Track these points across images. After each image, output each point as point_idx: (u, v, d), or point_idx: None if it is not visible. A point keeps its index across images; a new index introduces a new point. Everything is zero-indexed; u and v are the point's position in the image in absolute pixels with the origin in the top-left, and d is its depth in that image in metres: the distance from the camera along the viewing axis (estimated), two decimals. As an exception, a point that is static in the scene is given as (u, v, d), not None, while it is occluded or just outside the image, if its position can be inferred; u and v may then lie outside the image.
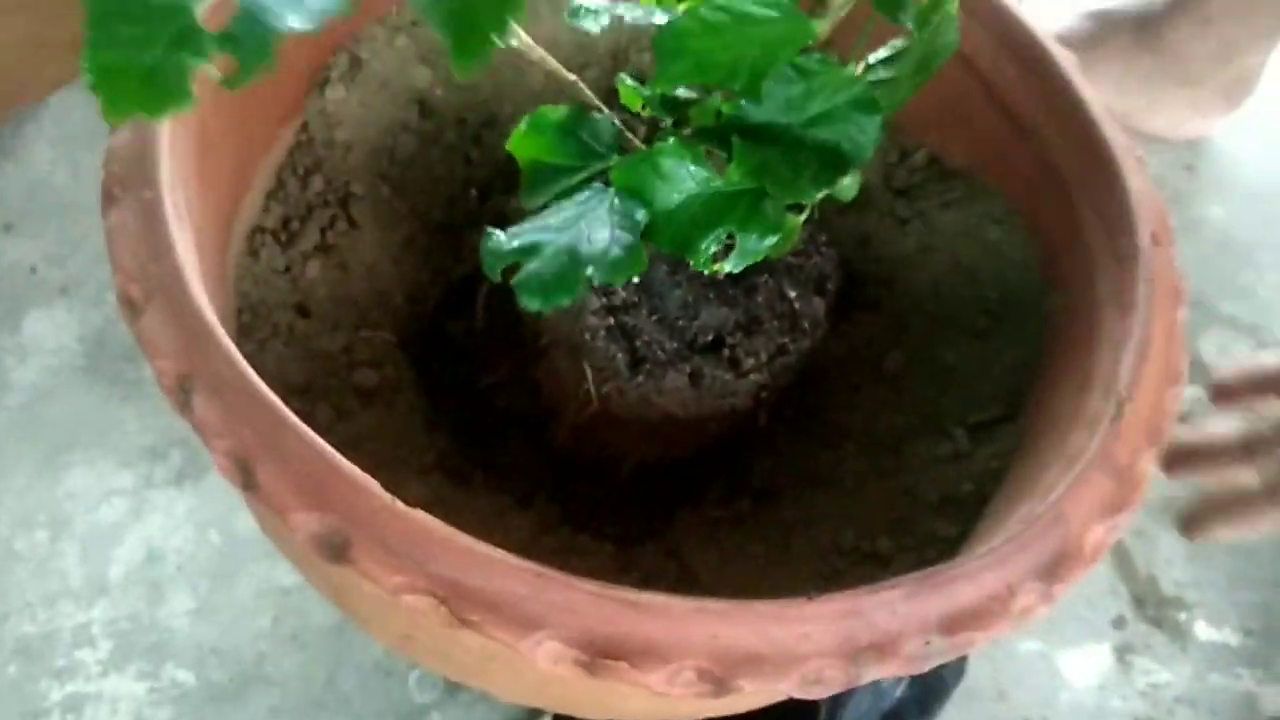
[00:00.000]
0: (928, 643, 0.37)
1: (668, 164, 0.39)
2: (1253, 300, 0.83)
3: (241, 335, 0.50)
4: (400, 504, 0.36)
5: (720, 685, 0.36)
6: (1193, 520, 0.59)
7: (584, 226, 0.40)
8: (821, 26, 0.37)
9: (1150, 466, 0.43)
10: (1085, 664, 0.68)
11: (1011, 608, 0.38)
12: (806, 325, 0.50)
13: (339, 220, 0.54)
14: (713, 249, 0.40)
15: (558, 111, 0.41)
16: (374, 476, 0.37)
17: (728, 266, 0.40)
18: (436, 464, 0.52)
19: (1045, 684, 0.67)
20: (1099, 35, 0.86)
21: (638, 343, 0.48)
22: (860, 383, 0.56)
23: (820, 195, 0.40)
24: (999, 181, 0.55)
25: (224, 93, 0.43)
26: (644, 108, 0.43)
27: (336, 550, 0.36)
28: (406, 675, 0.60)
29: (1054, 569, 0.39)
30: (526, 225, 0.40)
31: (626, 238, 0.39)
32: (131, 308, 0.39)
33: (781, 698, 0.46)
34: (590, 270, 0.39)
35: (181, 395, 0.38)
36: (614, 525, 0.52)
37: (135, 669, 0.58)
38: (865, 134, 0.39)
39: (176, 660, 0.59)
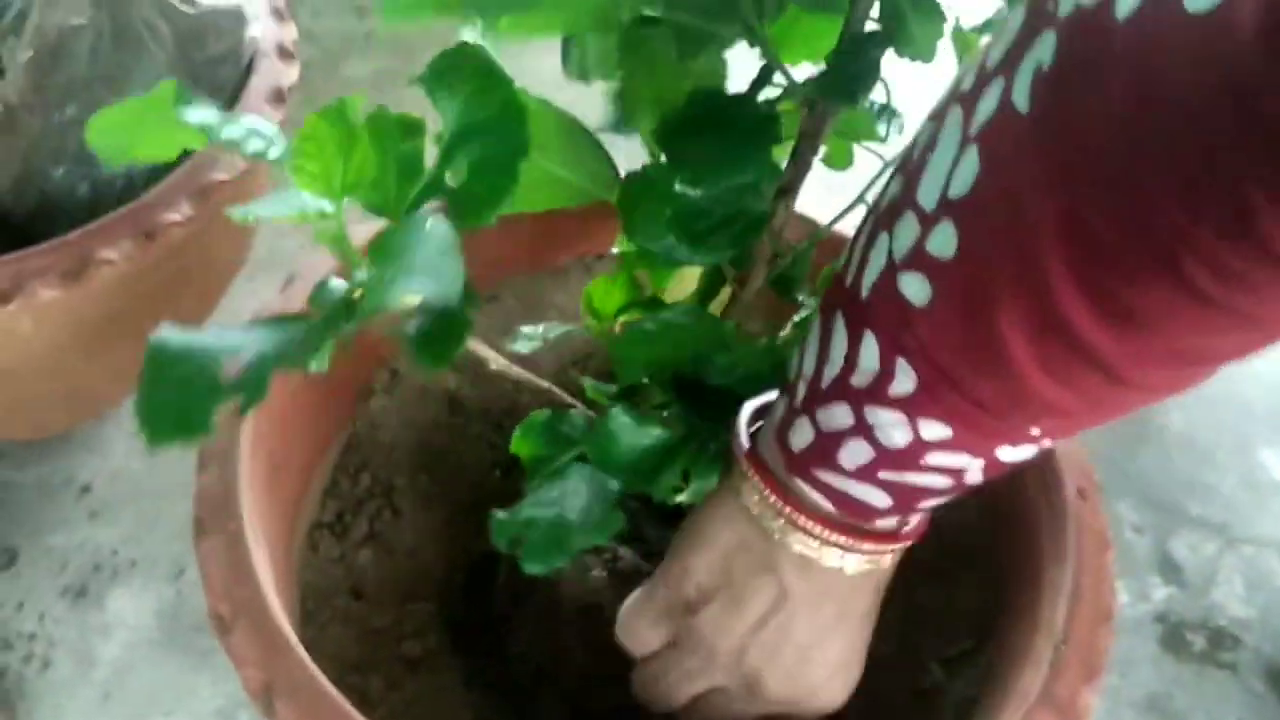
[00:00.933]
0: None
1: (619, 427, 0.49)
2: (1217, 499, 0.90)
3: (305, 621, 0.58)
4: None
5: None
6: None
7: (568, 499, 0.49)
8: (729, 324, 0.48)
9: (1090, 700, 0.49)
10: None
11: (973, 843, 0.45)
12: None
13: (385, 510, 0.63)
14: (673, 483, 0.49)
15: (542, 415, 0.51)
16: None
17: (685, 497, 0.50)
18: (475, 720, 0.59)
19: None
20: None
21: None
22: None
23: None
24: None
25: (289, 419, 0.53)
26: (607, 399, 0.53)
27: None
28: None
29: (1010, 803, 0.46)
30: (525, 502, 0.49)
31: (603, 503, 0.49)
32: (222, 625, 0.47)
33: None
34: (577, 535, 0.48)
35: (265, 698, 0.45)
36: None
37: None
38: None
39: None
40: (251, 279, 0.82)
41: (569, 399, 0.53)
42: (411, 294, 0.36)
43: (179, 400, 0.35)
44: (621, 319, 0.56)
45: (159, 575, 0.76)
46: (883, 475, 0.40)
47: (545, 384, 0.52)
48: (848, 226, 0.50)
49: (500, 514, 0.49)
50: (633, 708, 0.61)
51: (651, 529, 0.59)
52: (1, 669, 0.71)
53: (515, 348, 0.55)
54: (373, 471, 0.63)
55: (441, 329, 0.42)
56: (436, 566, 0.63)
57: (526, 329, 0.57)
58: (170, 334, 0.37)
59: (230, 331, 0.38)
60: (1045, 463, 0.56)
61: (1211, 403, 0.97)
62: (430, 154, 0.41)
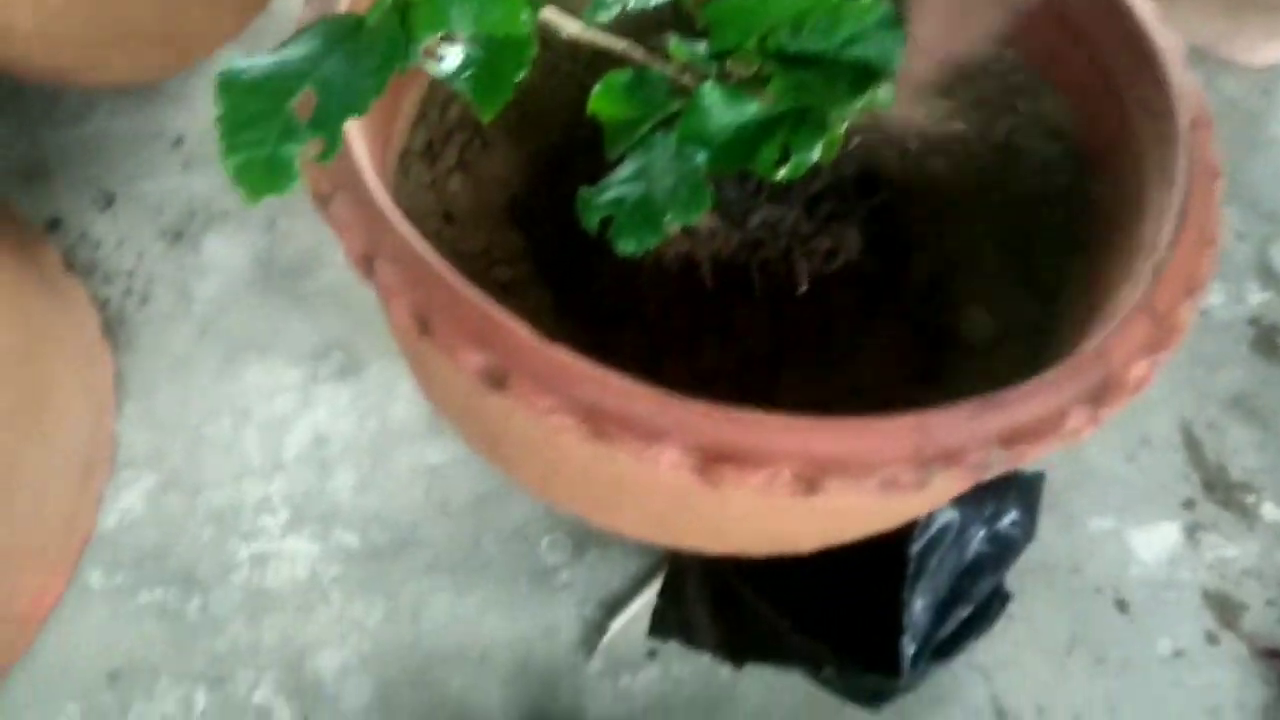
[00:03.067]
0: (989, 454, 0.44)
1: (712, 104, 0.47)
2: (1323, 211, 0.88)
3: (399, 238, 0.58)
4: (546, 343, 0.44)
5: (811, 485, 0.43)
6: None
7: (655, 177, 0.48)
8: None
9: (1189, 315, 0.49)
10: (1155, 541, 0.74)
11: (1062, 427, 0.45)
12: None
13: (474, 141, 0.63)
14: (773, 157, 0.47)
15: (623, 75, 0.49)
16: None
17: (784, 173, 0.48)
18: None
19: (1117, 558, 0.73)
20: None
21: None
22: (930, 258, 0.62)
23: (857, 106, 0.48)
24: (1055, 83, 0.61)
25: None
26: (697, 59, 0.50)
27: (497, 381, 0.44)
28: (539, 540, 0.69)
29: (1100, 396, 0.46)
30: (610, 180, 0.48)
31: (691, 179, 0.48)
32: (321, 199, 0.48)
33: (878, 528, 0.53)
34: (668, 214, 0.47)
35: (366, 264, 0.46)
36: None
37: (309, 532, 0.68)
38: (890, 48, 0.46)
39: (344, 525, 0.68)
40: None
41: (653, 60, 0.51)
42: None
43: (262, 150, 0.34)
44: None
45: (252, 225, 0.77)
46: None
47: (621, 45, 0.50)
48: None
49: (587, 192, 0.49)
50: (700, 338, 0.62)
51: (732, 191, 0.58)
52: (104, 301, 0.73)
53: (594, 17, 0.52)
54: (461, 103, 0.63)
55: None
56: (525, 199, 0.64)
57: None
58: (239, 64, 0.35)
59: (293, 51, 0.37)
60: (1156, 95, 0.54)
61: (1328, 114, 0.93)
62: None
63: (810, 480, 0.43)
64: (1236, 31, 0.92)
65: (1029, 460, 0.45)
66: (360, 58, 0.37)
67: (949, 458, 0.44)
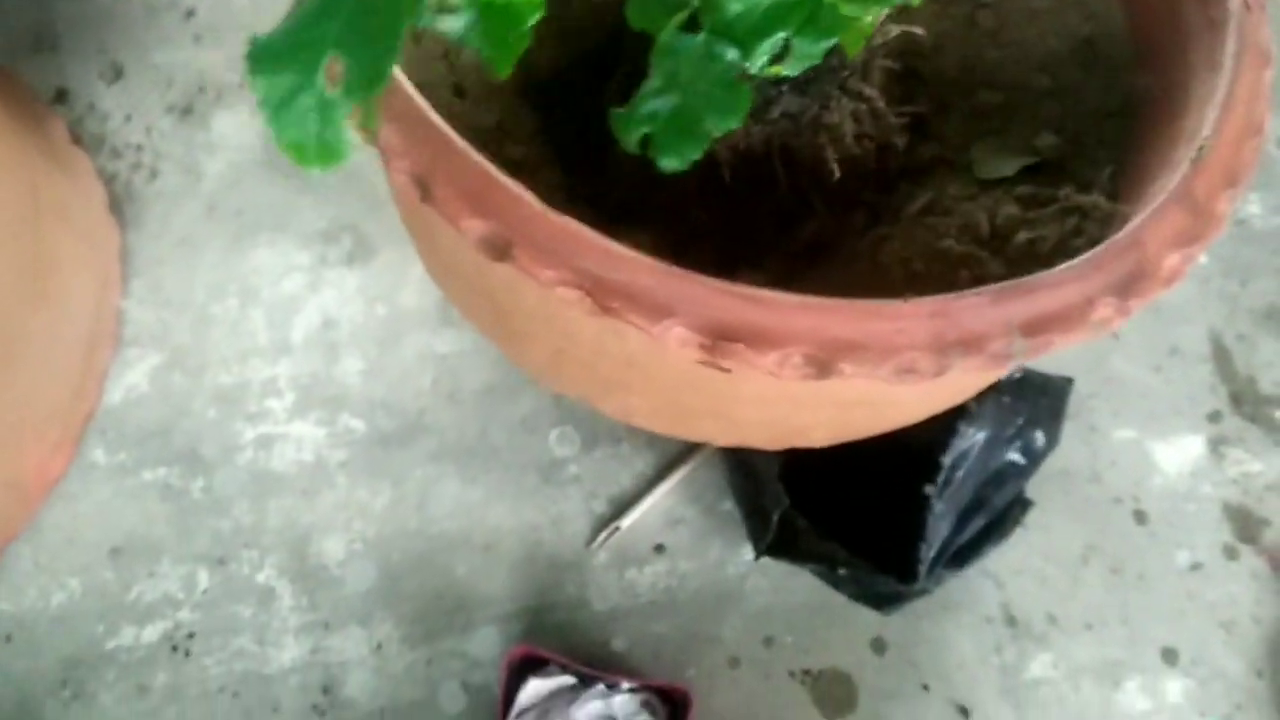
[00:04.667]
0: (1011, 342, 0.42)
1: None
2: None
3: (408, 110, 0.56)
4: (551, 211, 0.42)
5: (824, 369, 0.41)
6: None
7: (685, 82, 0.45)
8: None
9: (1229, 206, 0.46)
10: (1179, 453, 0.72)
11: (1090, 317, 0.43)
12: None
13: (491, 10, 0.60)
14: (769, 53, 0.44)
15: None
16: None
17: (785, 70, 0.44)
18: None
19: (1139, 469, 0.71)
20: None
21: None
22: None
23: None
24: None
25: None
26: None
27: (500, 250, 0.42)
28: (548, 433, 0.68)
29: (1130, 286, 0.44)
30: (641, 93, 0.45)
31: (724, 79, 0.44)
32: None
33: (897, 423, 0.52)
34: (707, 121, 0.44)
35: (369, 129, 0.44)
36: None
37: (315, 416, 0.67)
38: None
39: (350, 410, 0.67)
40: None
41: None
42: None
43: (309, 127, 0.33)
44: None
45: (262, 102, 0.75)
46: None
47: None
48: None
49: (620, 111, 0.45)
50: (719, 227, 0.60)
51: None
52: (111, 175, 0.72)
53: None
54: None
55: None
56: (543, 76, 0.61)
57: None
58: (261, 37, 0.34)
59: (307, 9, 0.34)
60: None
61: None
62: None
63: (823, 363, 0.41)
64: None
65: (1054, 350, 0.43)
66: (369, 17, 0.35)
67: (969, 344, 0.42)
